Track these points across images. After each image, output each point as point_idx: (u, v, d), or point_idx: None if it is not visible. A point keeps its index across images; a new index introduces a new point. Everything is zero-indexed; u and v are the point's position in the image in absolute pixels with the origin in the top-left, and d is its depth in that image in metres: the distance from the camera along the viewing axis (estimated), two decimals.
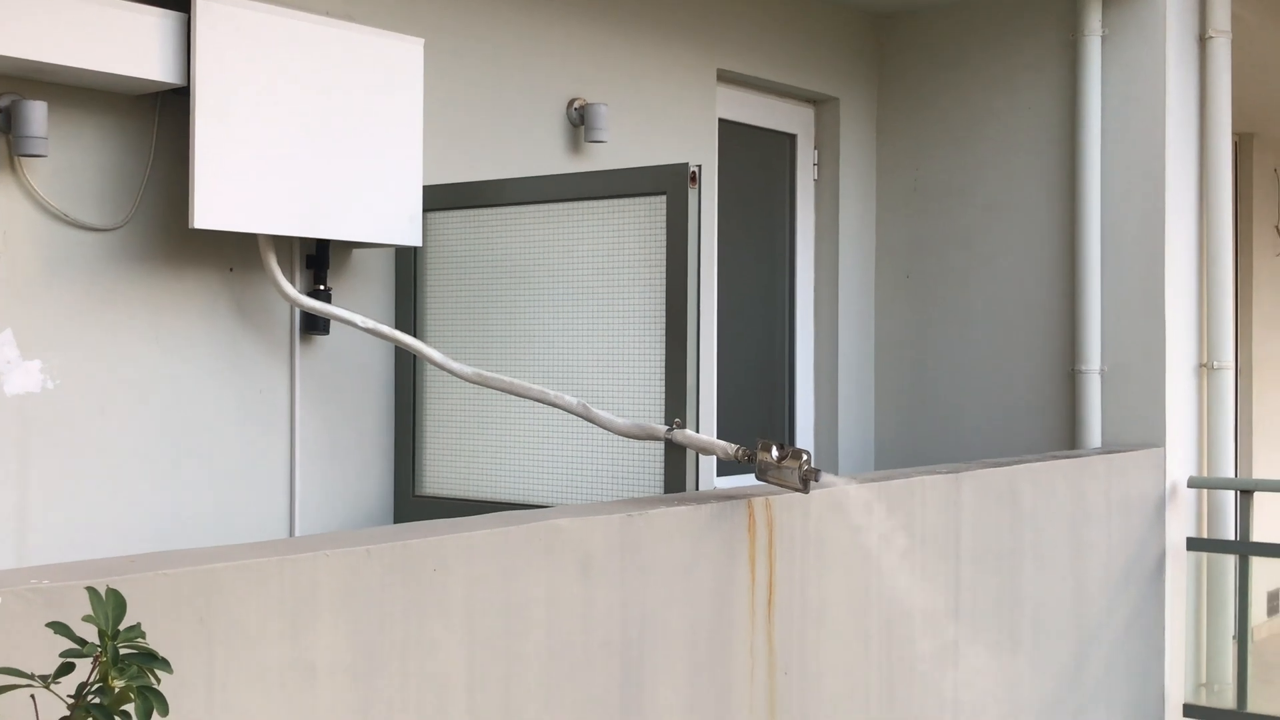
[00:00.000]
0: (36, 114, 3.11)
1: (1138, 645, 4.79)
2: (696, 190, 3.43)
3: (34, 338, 3.23)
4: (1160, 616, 4.93)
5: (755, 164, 5.52)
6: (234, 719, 2.08)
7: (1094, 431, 5.08)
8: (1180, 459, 5.08)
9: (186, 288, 3.53)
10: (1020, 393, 5.36)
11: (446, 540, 2.43)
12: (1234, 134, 5.69)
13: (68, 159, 3.29)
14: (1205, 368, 5.21)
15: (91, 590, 1.38)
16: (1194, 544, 5.10)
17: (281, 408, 3.73)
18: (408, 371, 3.95)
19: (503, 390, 3.46)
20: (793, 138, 5.64)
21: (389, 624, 2.32)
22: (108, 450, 3.37)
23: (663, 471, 3.44)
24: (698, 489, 3.45)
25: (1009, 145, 5.42)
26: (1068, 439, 5.21)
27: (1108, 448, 4.99)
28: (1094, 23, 5.10)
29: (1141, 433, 5.02)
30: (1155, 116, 5.01)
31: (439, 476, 3.92)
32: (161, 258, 3.48)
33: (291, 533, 3.74)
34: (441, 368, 3.54)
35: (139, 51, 3.16)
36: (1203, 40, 5.17)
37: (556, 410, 3.46)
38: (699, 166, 3.45)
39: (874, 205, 5.80)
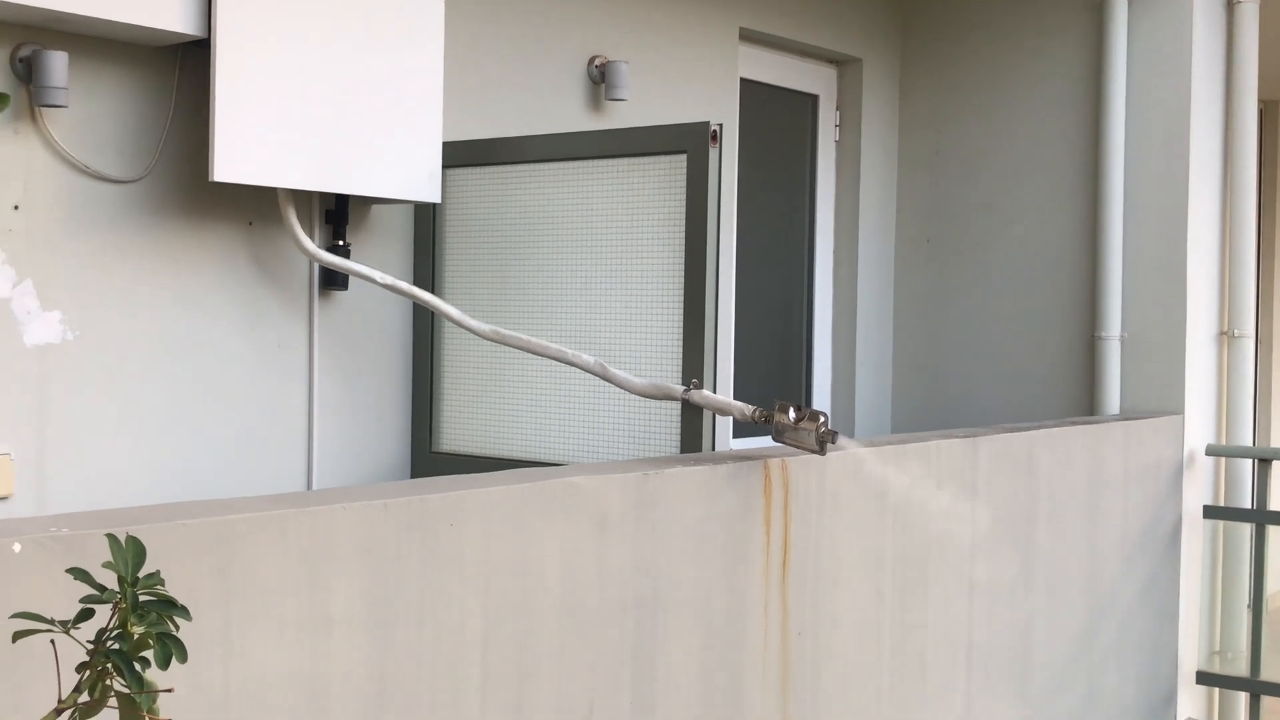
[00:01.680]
0: (57, 64, 3.11)
1: (1152, 612, 4.80)
2: (717, 149, 3.41)
3: (54, 288, 3.24)
4: (1175, 584, 4.93)
5: (776, 124, 5.49)
6: (250, 669, 2.10)
7: (1113, 398, 5.07)
8: (1199, 427, 5.06)
9: (206, 241, 3.53)
10: (1039, 358, 5.35)
11: (463, 496, 2.43)
12: (1260, 101, 5.64)
13: (88, 110, 3.29)
14: (1226, 336, 5.18)
15: (111, 537, 1.39)
16: (1210, 512, 5.09)
17: (300, 362, 3.74)
18: (426, 328, 3.96)
19: (520, 348, 3.45)
20: (814, 98, 5.60)
21: (405, 578, 2.33)
22: (126, 401, 3.38)
23: (679, 432, 3.44)
24: (714, 449, 3.45)
25: (1032, 109, 5.37)
26: (1086, 405, 5.20)
27: (1126, 414, 4.97)
28: None
29: (1160, 400, 5.01)
30: (1181, 81, 4.96)
31: (456, 433, 3.93)
32: (181, 210, 3.48)
33: (309, 487, 3.76)
34: (459, 325, 3.54)
35: (160, 3, 3.15)
36: (1231, 5, 5.11)
37: (574, 369, 3.45)
38: (720, 125, 3.43)
39: (895, 168, 5.77)
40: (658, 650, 2.81)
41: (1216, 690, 5.25)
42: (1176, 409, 4.97)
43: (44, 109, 3.18)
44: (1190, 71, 4.94)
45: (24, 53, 3.13)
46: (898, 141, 5.77)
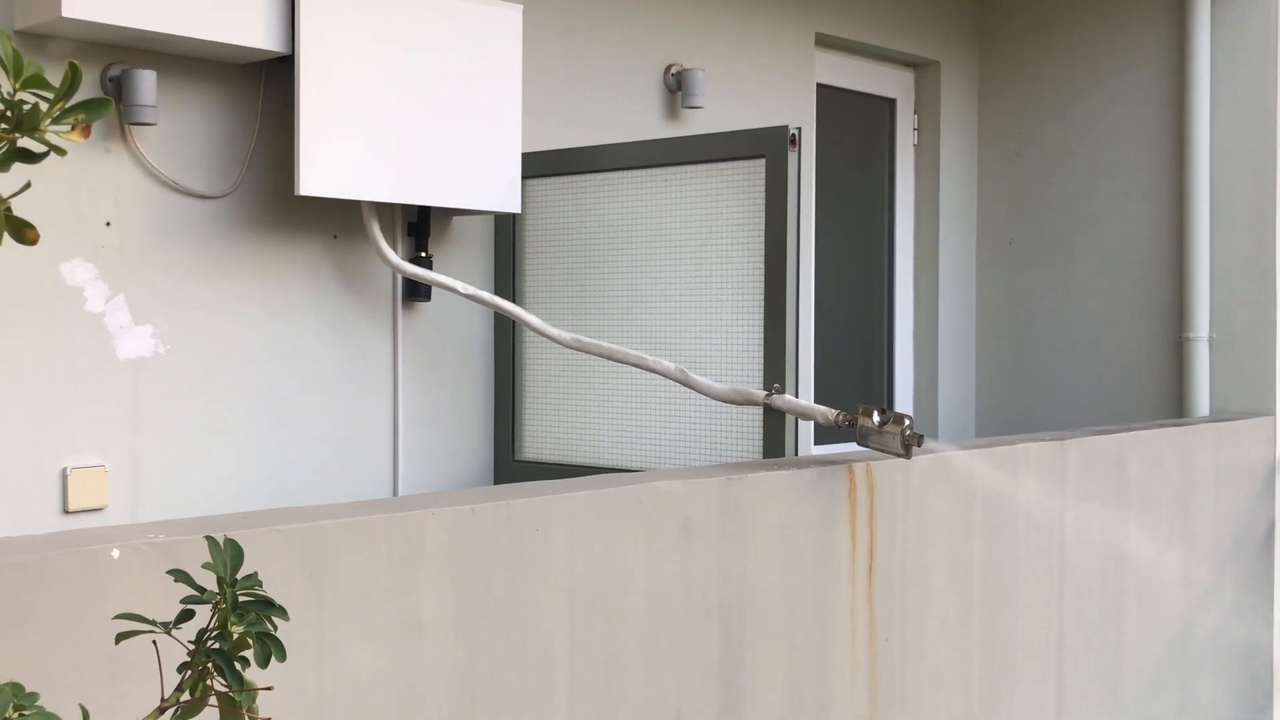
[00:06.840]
0: (146, 83, 3.17)
1: (1246, 618, 4.70)
2: (796, 153, 3.40)
3: (145, 303, 3.31)
4: (1269, 588, 4.83)
5: (854, 129, 5.47)
6: (343, 671, 2.12)
7: (1202, 400, 4.98)
8: None
9: (292, 254, 3.58)
10: (1125, 360, 5.27)
11: (549, 501, 2.45)
12: None
13: (176, 127, 3.36)
14: None
15: (210, 539, 1.41)
16: None
17: (384, 373, 3.78)
18: (507, 337, 3.98)
19: (601, 355, 3.47)
20: (892, 102, 5.57)
21: (493, 582, 2.34)
22: (216, 413, 3.44)
23: (761, 437, 3.43)
24: (796, 454, 3.44)
25: (1114, 107, 5.30)
26: (1175, 407, 5.11)
27: (1216, 416, 4.88)
28: None
29: (1251, 401, 4.91)
30: (1267, 76, 4.87)
31: (538, 441, 3.95)
32: (268, 225, 3.53)
33: (394, 494, 3.79)
34: (540, 333, 3.56)
35: (245, 20, 3.21)
36: None
37: (654, 375, 3.46)
38: (799, 129, 3.42)
39: (975, 170, 5.72)
40: (744, 655, 2.81)
41: None
42: (1268, 410, 4.87)
43: (134, 127, 3.25)
44: (1277, 65, 4.85)
45: (114, 72, 3.20)
46: (977, 143, 5.72)
